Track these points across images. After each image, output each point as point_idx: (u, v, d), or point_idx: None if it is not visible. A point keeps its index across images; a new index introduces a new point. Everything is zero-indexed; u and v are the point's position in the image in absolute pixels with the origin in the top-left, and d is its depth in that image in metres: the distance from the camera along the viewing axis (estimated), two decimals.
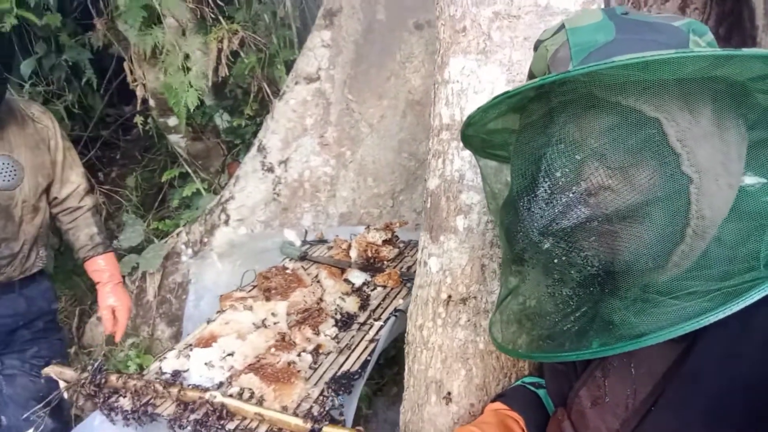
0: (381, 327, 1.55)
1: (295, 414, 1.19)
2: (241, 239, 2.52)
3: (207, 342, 1.48)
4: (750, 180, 0.63)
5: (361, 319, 1.61)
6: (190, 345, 1.50)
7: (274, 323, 1.57)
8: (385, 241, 1.98)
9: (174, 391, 1.28)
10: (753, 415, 0.57)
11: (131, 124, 3.67)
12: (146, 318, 2.68)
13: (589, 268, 0.60)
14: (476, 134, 0.77)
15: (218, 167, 3.36)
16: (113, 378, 1.35)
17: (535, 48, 0.72)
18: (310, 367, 1.39)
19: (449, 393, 1.04)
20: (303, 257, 2.01)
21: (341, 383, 1.29)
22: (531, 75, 0.72)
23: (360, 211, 2.50)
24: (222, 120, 3.16)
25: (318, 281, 1.81)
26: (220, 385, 1.33)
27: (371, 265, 1.90)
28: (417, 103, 2.47)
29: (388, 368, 2.26)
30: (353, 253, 1.96)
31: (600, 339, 0.59)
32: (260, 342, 1.47)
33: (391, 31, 2.51)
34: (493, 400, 0.93)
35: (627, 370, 0.68)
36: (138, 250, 2.84)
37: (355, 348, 1.47)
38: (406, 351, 1.16)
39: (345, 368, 1.37)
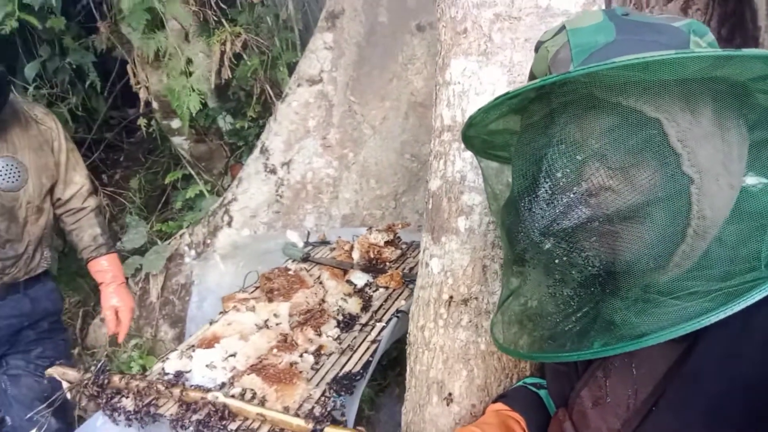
0: (383, 328, 1.55)
1: (297, 414, 1.19)
2: (243, 241, 2.53)
3: (209, 343, 1.49)
4: (751, 180, 0.63)
5: (363, 320, 1.61)
6: (193, 346, 1.51)
7: (277, 324, 1.57)
8: (387, 243, 1.98)
9: (176, 391, 1.29)
10: (753, 415, 0.57)
11: (135, 126, 3.69)
12: (149, 319, 2.68)
13: (590, 269, 0.60)
14: (477, 135, 0.77)
15: (221, 169, 3.37)
16: (116, 379, 1.36)
17: (536, 49, 0.72)
18: (312, 368, 1.39)
19: (450, 394, 1.04)
20: (305, 258, 2.02)
21: (343, 384, 1.29)
22: (532, 76, 0.73)
23: (362, 212, 2.50)
24: (225, 122, 3.17)
25: (320, 282, 1.81)
26: (223, 385, 1.33)
27: (373, 266, 1.90)
28: (419, 105, 2.47)
29: (391, 369, 2.26)
30: (355, 255, 1.96)
31: (601, 339, 0.59)
32: (262, 343, 1.47)
33: (393, 33, 2.51)
34: (495, 401, 0.93)
35: (628, 370, 0.68)
36: (141, 251, 2.85)
37: (357, 349, 1.47)
38: (407, 352, 1.16)
39: (347, 369, 1.37)
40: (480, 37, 1.04)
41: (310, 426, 1.14)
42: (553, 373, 0.83)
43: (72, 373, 1.41)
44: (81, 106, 3.46)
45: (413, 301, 1.18)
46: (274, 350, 1.45)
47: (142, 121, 3.31)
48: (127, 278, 2.32)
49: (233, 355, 1.42)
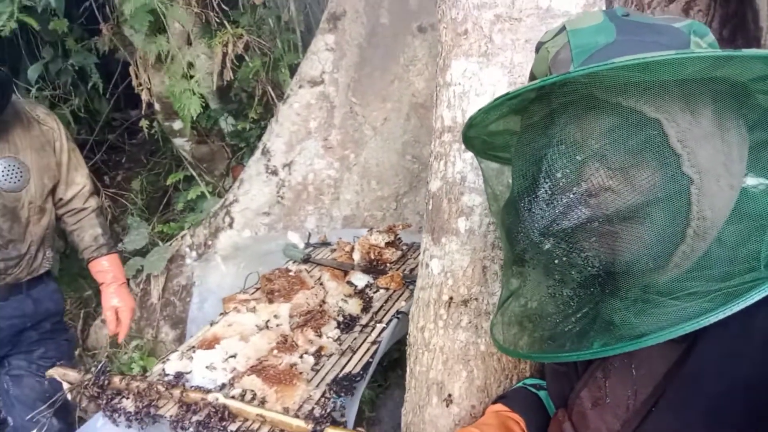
0: (383, 329, 1.55)
1: (297, 415, 1.19)
2: (244, 242, 2.53)
3: (210, 344, 1.49)
4: (751, 181, 0.63)
5: (364, 321, 1.61)
6: (193, 347, 1.51)
7: (277, 325, 1.57)
8: (387, 244, 1.98)
9: (176, 392, 1.29)
10: (753, 415, 0.57)
11: (137, 128, 3.70)
12: (150, 320, 2.69)
13: (589, 269, 0.60)
14: (478, 136, 0.77)
15: (223, 170, 3.38)
16: (116, 380, 1.36)
17: (537, 50, 0.72)
18: (312, 369, 1.39)
19: (450, 395, 1.04)
20: (306, 260, 2.02)
21: (343, 385, 1.29)
22: (532, 77, 0.73)
23: (363, 213, 2.50)
24: (227, 123, 3.18)
25: (321, 283, 1.81)
26: (223, 386, 1.33)
27: (374, 267, 1.90)
28: (420, 106, 2.47)
29: (391, 371, 2.26)
30: (356, 256, 1.96)
31: (601, 339, 0.59)
32: (263, 344, 1.47)
33: (395, 35, 2.52)
34: (494, 402, 0.93)
35: (628, 370, 0.68)
36: (143, 252, 2.85)
37: (357, 350, 1.47)
38: (407, 352, 1.16)
39: (347, 370, 1.37)
40: (480, 39, 1.05)
41: (310, 427, 1.14)
42: (553, 373, 0.83)
43: (72, 374, 1.41)
44: (83, 107, 3.48)
45: (413, 302, 1.18)
46: (275, 351, 1.45)
47: (144, 123, 3.32)
48: (128, 279, 2.33)
49: (233, 356, 1.42)
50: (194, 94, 2.79)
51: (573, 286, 0.62)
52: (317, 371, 1.38)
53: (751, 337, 0.58)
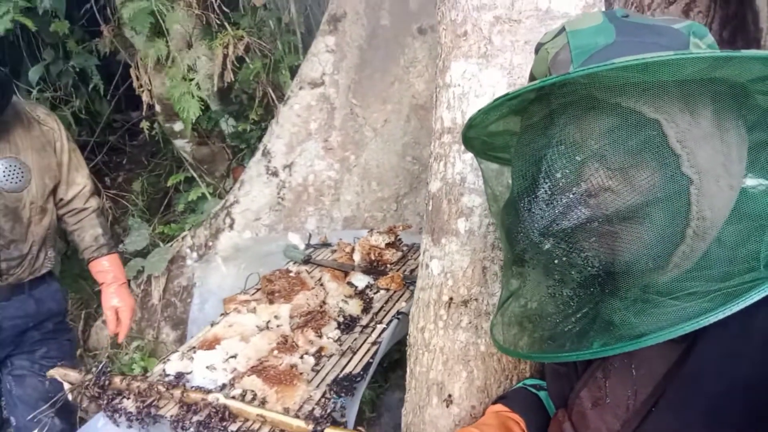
0: (383, 330, 1.55)
1: (297, 416, 1.19)
2: (245, 243, 2.53)
3: (210, 344, 1.49)
4: (751, 182, 0.63)
5: (364, 322, 1.61)
6: (194, 347, 1.51)
7: (277, 326, 1.57)
8: (388, 245, 1.98)
9: (177, 392, 1.29)
10: (753, 415, 0.57)
11: (138, 129, 3.71)
12: (151, 321, 2.69)
13: (589, 269, 0.61)
14: (478, 136, 0.78)
15: (223, 172, 3.38)
16: (117, 380, 1.36)
17: (536, 51, 0.72)
18: (313, 369, 1.39)
19: (450, 395, 1.04)
20: (306, 260, 2.02)
21: (343, 385, 1.29)
22: (532, 77, 0.73)
23: (364, 214, 2.50)
24: (227, 125, 3.18)
25: (321, 284, 1.81)
26: (223, 386, 1.33)
27: (374, 268, 1.90)
28: (421, 108, 2.48)
29: (392, 371, 2.26)
30: (356, 257, 1.96)
31: (600, 339, 0.59)
32: (263, 344, 1.47)
33: (395, 37, 2.52)
34: (494, 402, 0.93)
35: (628, 371, 0.68)
36: (143, 253, 2.86)
37: (357, 350, 1.47)
38: (407, 353, 1.16)
39: (347, 370, 1.37)
40: (480, 40, 1.05)
41: (310, 427, 1.14)
42: (553, 373, 0.83)
43: (73, 375, 1.41)
44: (84, 109, 3.48)
45: (413, 303, 1.18)
46: (275, 352, 1.45)
47: (144, 124, 3.33)
48: (129, 280, 2.33)
49: (234, 357, 1.42)
50: (193, 97, 2.79)
51: (573, 286, 0.63)
52: (317, 372, 1.38)
53: (750, 337, 0.58)
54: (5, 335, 1.76)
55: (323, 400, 1.26)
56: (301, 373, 1.35)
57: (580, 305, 0.63)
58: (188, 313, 2.57)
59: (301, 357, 1.43)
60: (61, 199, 1.85)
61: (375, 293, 1.78)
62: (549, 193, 0.61)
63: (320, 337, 1.53)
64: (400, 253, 2.01)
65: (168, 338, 2.65)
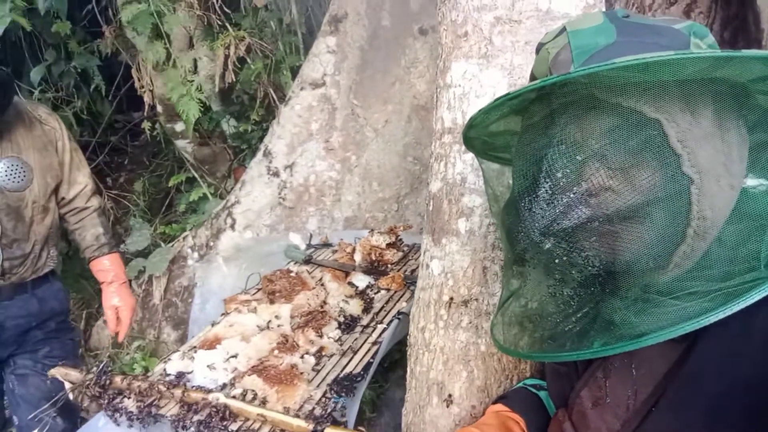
0: (384, 330, 1.55)
1: (297, 415, 1.19)
2: (246, 243, 2.53)
3: (211, 344, 1.49)
4: (751, 182, 0.63)
5: (365, 322, 1.62)
6: (195, 347, 1.51)
7: (278, 326, 1.58)
8: (389, 245, 1.99)
9: (178, 392, 1.29)
10: (753, 415, 0.57)
11: (139, 129, 3.71)
12: (152, 321, 2.69)
13: (590, 268, 0.61)
14: (478, 136, 0.78)
15: (225, 172, 3.38)
16: (118, 379, 1.36)
17: (537, 51, 0.72)
18: (313, 369, 1.39)
19: (450, 395, 1.04)
20: (307, 261, 2.02)
21: (343, 385, 1.29)
22: (533, 77, 0.73)
23: (365, 215, 2.50)
24: (229, 125, 3.18)
25: (322, 284, 1.81)
26: (224, 386, 1.33)
27: (375, 268, 1.91)
28: (422, 108, 2.48)
29: (392, 371, 2.25)
30: (357, 257, 1.96)
31: (601, 339, 0.59)
32: (264, 344, 1.47)
33: (396, 37, 2.53)
34: (495, 402, 0.93)
35: (628, 370, 0.68)
36: (145, 254, 2.86)
37: (358, 350, 1.47)
38: (408, 353, 1.16)
39: (347, 370, 1.37)
40: (480, 41, 1.05)
41: (311, 427, 1.14)
42: (553, 373, 0.83)
43: (74, 374, 1.41)
44: (86, 109, 3.49)
45: (414, 303, 1.18)
46: (276, 351, 1.45)
47: (146, 125, 3.34)
48: (130, 280, 2.33)
49: (235, 356, 1.43)
50: (191, 99, 2.80)
51: (573, 286, 0.63)
52: (318, 371, 1.38)
53: (751, 336, 0.58)
54: (8, 334, 1.77)
55: (323, 399, 1.26)
56: (301, 373, 1.36)
57: (580, 305, 0.63)
58: (189, 313, 2.57)
59: (302, 357, 1.43)
60: (63, 198, 1.86)
61: (376, 293, 1.78)
62: (550, 192, 0.61)
63: (321, 336, 1.53)
64: (400, 254, 2.01)
65: (169, 338, 2.65)
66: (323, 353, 1.46)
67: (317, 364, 1.42)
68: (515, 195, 0.66)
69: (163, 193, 3.67)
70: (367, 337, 1.53)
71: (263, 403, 1.25)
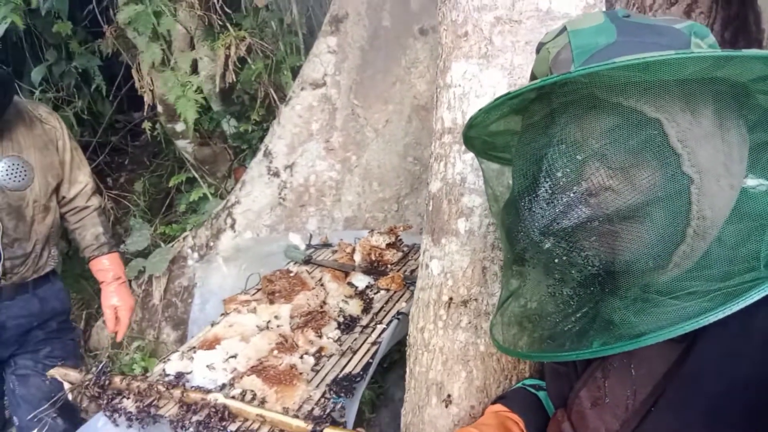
0: (383, 330, 1.55)
1: (297, 416, 1.19)
2: (246, 243, 2.53)
3: (210, 344, 1.49)
4: (751, 182, 0.63)
5: (364, 322, 1.61)
6: (194, 347, 1.51)
7: (278, 326, 1.57)
8: (388, 245, 1.98)
9: (177, 392, 1.29)
10: (753, 415, 0.56)
11: (140, 129, 3.72)
12: (152, 321, 2.69)
13: (589, 268, 0.60)
14: (478, 136, 0.78)
15: (225, 172, 3.38)
16: (117, 380, 1.36)
17: (538, 51, 0.72)
18: (312, 369, 1.39)
19: (450, 395, 1.04)
20: (307, 261, 2.02)
21: (343, 385, 1.29)
22: (533, 77, 0.73)
23: (365, 215, 2.50)
24: (229, 125, 3.18)
25: (321, 284, 1.81)
26: (223, 386, 1.33)
27: (375, 268, 1.90)
28: (422, 108, 2.48)
29: (392, 372, 2.25)
30: (357, 257, 1.96)
31: (600, 339, 0.59)
32: (263, 344, 1.47)
33: (397, 37, 2.53)
34: (494, 402, 0.93)
35: (627, 370, 0.68)
36: (145, 254, 2.86)
37: (357, 351, 1.47)
38: (407, 353, 1.16)
39: (347, 371, 1.37)
40: (481, 41, 1.05)
41: (310, 427, 1.14)
42: (552, 373, 0.83)
43: (73, 374, 1.41)
44: (87, 109, 3.50)
45: (413, 303, 1.18)
46: (275, 352, 1.45)
47: (146, 125, 3.34)
48: (130, 280, 2.33)
49: (234, 357, 1.42)
50: (189, 100, 2.80)
51: (573, 286, 0.63)
52: (317, 372, 1.38)
53: (750, 336, 0.58)
54: (9, 334, 1.77)
55: (323, 400, 1.26)
56: (300, 373, 1.35)
57: (580, 304, 0.63)
58: (189, 313, 2.57)
59: (301, 357, 1.43)
60: (64, 197, 1.86)
61: (375, 293, 1.78)
62: (550, 192, 0.61)
63: (320, 337, 1.53)
64: (400, 254, 2.01)
65: (169, 338, 2.65)
66: (322, 353, 1.46)
67: (316, 364, 1.41)
68: (515, 194, 0.66)
69: (163, 193, 3.67)
70: (367, 338, 1.53)
71: (262, 403, 1.25)
